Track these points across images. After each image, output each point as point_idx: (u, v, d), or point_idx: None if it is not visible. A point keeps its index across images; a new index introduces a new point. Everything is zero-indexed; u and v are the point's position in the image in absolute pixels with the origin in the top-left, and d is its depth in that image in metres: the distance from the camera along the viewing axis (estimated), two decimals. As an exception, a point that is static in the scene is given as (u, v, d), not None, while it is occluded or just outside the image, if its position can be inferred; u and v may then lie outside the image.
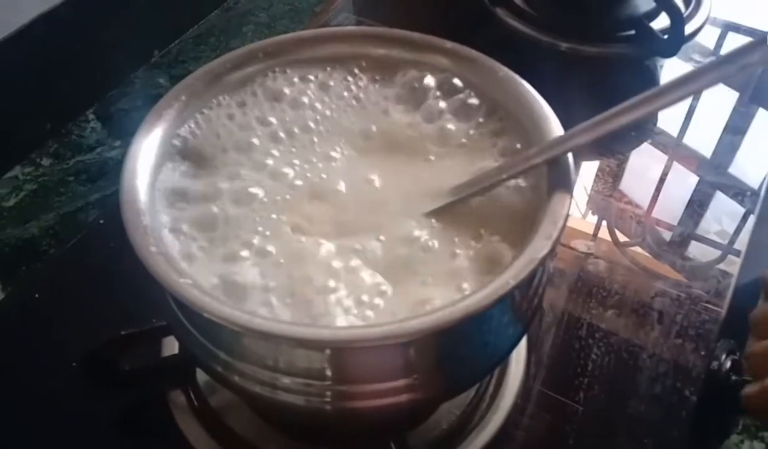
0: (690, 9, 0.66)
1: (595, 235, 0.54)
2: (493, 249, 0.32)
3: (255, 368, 0.30)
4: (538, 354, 0.44)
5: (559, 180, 0.32)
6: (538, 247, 0.30)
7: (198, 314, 0.29)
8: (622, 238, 0.54)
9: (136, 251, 0.29)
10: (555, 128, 0.35)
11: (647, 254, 0.53)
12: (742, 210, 0.56)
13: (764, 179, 0.58)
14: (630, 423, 0.42)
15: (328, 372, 0.29)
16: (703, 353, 0.45)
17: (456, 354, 0.31)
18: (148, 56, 0.72)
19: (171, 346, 0.43)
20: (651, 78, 0.66)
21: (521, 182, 0.35)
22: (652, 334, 0.46)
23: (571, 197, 0.32)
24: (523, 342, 0.44)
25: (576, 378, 0.44)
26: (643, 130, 0.62)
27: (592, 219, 0.56)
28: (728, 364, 0.45)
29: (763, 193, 0.56)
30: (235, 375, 0.31)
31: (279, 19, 0.77)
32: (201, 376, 0.42)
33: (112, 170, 0.61)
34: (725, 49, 0.71)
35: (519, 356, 0.43)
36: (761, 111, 0.64)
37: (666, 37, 0.62)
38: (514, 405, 0.41)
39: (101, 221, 0.53)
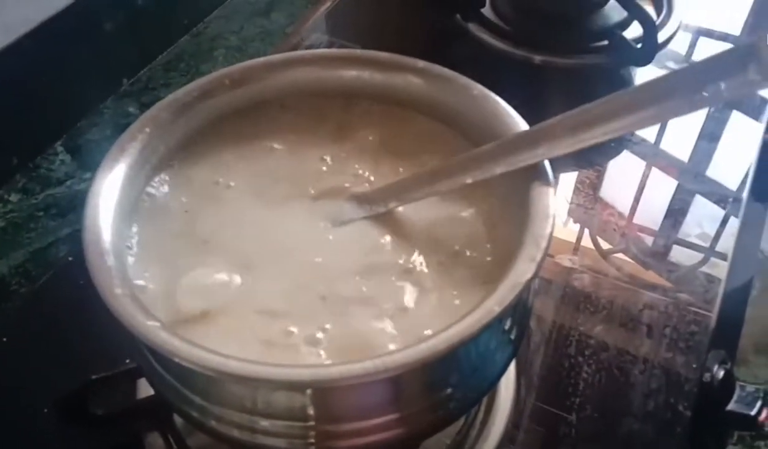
0: (662, 17, 0.66)
1: (577, 246, 0.53)
2: None
3: (232, 411, 0.29)
4: (528, 376, 0.43)
5: (539, 192, 0.31)
6: (522, 270, 0.29)
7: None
8: (605, 246, 0.53)
9: (101, 294, 0.27)
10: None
11: (631, 261, 0.52)
12: (722, 212, 0.56)
13: (746, 183, 0.57)
14: (625, 442, 0.41)
15: (310, 412, 0.28)
16: (694, 365, 0.44)
17: (443, 385, 0.29)
18: (117, 85, 0.70)
19: (147, 386, 0.41)
20: (626, 87, 0.66)
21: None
22: (642, 349, 0.45)
23: (554, 214, 0.31)
24: (512, 365, 0.43)
25: (567, 398, 0.42)
26: (620, 138, 0.62)
27: (574, 228, 0.55)
28: (720, 375, 0.45)
29: (745, 198, 0.56)
30: (211, 420, 0.29)
31: (250, 41, 0.76)
32: (179, 417, 0.40)
33: (83, 204, 0.59)
34: (697, 55, 0.71)
35: (508, 380, 0.42)
36: (735, 113, 0.64)
37: (639, 46, 0.61)
38: (505, 431, 0.40)
39: (70, 259, 0.51)
